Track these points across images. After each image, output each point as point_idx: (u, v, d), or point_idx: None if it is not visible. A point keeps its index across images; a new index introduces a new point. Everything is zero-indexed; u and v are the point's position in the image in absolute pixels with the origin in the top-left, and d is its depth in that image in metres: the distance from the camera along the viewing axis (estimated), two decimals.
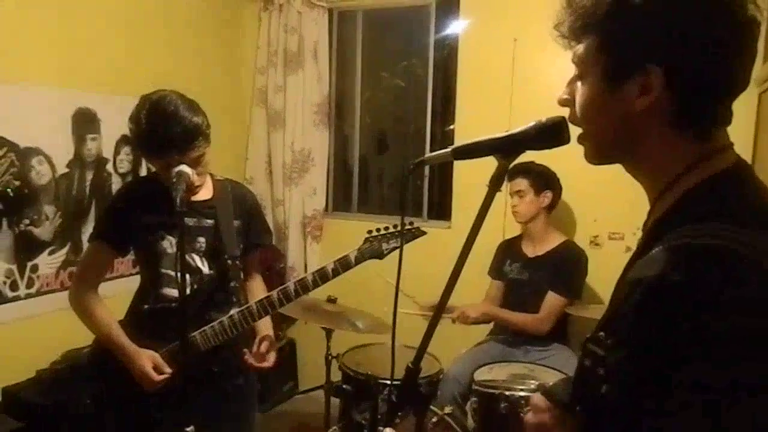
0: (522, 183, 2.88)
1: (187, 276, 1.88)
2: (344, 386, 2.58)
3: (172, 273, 1.89)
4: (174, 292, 1.89)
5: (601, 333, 0.74)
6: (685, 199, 0.77)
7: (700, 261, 0.66)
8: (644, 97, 0.76)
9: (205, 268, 1.93)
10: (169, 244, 1.90)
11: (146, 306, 1.93)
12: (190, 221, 1.91)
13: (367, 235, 1.95)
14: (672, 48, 0.74)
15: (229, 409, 1.99)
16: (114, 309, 1.96)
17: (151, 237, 1.89)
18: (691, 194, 0.77)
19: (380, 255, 1.93)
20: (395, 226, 1.95)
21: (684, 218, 0.73)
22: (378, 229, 1.95)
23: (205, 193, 1.97)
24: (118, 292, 2.21)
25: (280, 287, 1.91)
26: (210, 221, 1.95)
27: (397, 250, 1.84)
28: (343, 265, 1.91)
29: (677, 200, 0.78)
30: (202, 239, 1.94)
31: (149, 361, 1.85)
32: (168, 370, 1.86)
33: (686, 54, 0.74)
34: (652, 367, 0.65)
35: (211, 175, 2.01)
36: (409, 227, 1.97)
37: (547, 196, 2.91)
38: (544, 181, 2.90)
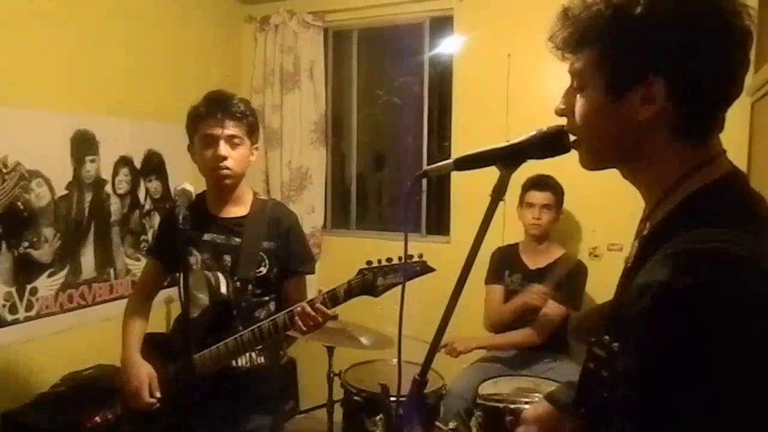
0: (550, 197, 2.85)
1: (206, 297, 1.87)
2: (355, 398, 2.53)
3: (195, 291, 1.85)
4: (193, 311, 1.81)
5: (606, 336, 0.75)
6: (686, 204, 0.78)
7: (707, 265, 0.67)
8: (647, 107, 0.78)
9: (225, 290, 1.86)
10: (195, 260, 1.87)
11: (174, 323, 1.96)
12: (218, 238, 1.88)
13: (364, 266, 1.71)
14: (674, 59, 0.75)
15: None
16: None
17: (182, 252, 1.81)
18: (691, 200, 0.78)
19: (373, 291, 1.70)
20: (399, 258, 1.68)
21: (686, 223, 0.74)
22: (379, 261, 1.71)
23: (239, 210, 1.92)
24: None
25: (269, 319, 1.78)
26: (238, 240, 1.87)
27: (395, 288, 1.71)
28: (332, 300, 1.71)
29: (677, 205, 0.79)
30: (228, 258, 1.87)
31: (146, 379, 1.80)
32: (157, 394, 1.79)
33: (688, 64, 0.75)
34: (664, 371, 0.65)
35: (255, 193, 1.98)
36: (415, 261, 1.71)
37: (561, 214, 2.94)
38: (563, 198, 2.91)
